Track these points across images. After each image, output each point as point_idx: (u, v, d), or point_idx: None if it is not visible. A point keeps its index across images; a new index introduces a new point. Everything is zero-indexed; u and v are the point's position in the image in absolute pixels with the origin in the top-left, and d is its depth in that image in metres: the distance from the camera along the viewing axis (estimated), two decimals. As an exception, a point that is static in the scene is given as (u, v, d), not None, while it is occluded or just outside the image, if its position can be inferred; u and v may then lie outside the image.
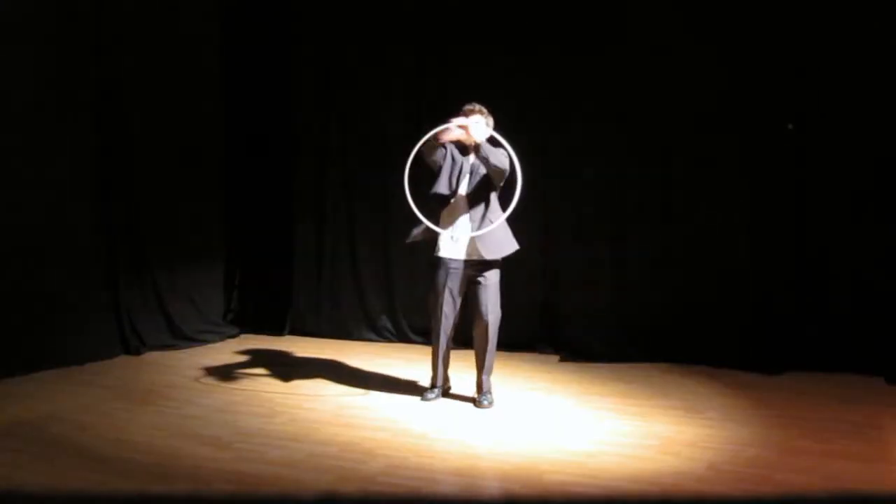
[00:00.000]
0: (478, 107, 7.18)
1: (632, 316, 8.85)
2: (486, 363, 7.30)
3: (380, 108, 9.55)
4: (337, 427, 6.74)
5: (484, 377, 7.32)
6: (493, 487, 5.83)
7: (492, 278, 7.20)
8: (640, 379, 8.11)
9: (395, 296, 9.65)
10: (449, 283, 7.22)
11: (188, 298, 9.54)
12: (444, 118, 7.18)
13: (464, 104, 7.22)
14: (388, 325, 9.71)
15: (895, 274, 8.06)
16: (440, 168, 7.23)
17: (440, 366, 7.40)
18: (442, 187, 7.22)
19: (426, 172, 7.36)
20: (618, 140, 8.84)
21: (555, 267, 9.14)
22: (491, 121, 7.21)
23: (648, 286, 8.81)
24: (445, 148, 7.22)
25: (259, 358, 8.79)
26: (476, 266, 7.19)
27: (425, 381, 7.65)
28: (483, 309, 7.19)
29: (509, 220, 7.13)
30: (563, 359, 8.87)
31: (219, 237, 10.02)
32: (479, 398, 7.30)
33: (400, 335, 9.59)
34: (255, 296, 10.19)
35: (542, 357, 8.97)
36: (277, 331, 9.87)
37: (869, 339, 8.13)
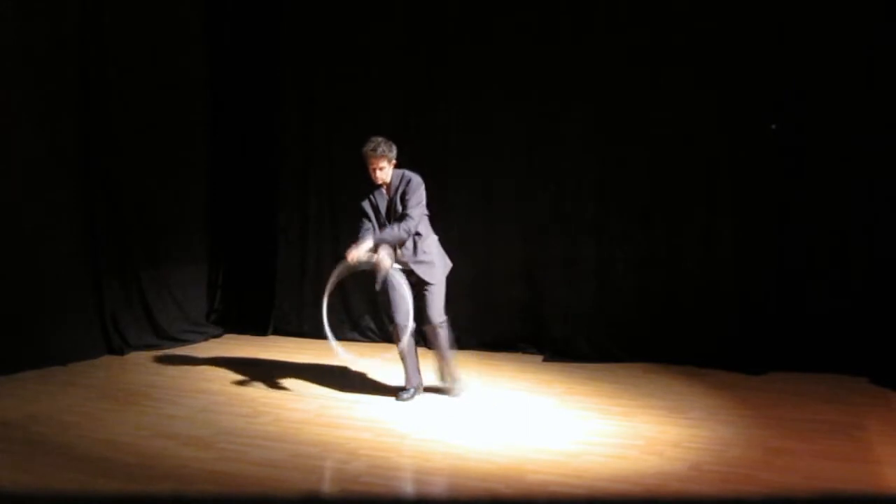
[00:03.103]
0: (381, 149, 7.17)
1: (616, 316, 8.86)
2: (444, 358, 7.45)
3: (365, 109, 9.52)
4: (320, 427, 6.74)
5: (445, 367, 7.48)
6: (476, 487, 5.83)
7: (432, 280, 7.33)
8: (624, 379, 8.12)
9: (378, 296, 9.60)
10: (394, 283, 7.28)
11: (172, 299, 9.53)
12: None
13: (368, 139, 7.23)
14: (372, 326, 9.70)
15: (878, 275, 8.10)
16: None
17: (409, 364, 7.47)
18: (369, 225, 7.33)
19: None
20: (602, 140, 8.85)
21: (538, 267, 9.13)
22: (392, 153, 7.22)
23: (632, 287, 8.82)
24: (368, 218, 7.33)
25: (242, 358, 8.77)
26: (414, 272, 7.34)
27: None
28: (427, 312, 7.32)
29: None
30: (547, 359, 8.86)
31: (202, 238, 10.01)
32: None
33: (383, 335, 9.56)
34: (238, 296, 10.18)
35: (526, 357, 8.97)
36: (261, 331, 9.85)
37: (852, 340, 8.15)
